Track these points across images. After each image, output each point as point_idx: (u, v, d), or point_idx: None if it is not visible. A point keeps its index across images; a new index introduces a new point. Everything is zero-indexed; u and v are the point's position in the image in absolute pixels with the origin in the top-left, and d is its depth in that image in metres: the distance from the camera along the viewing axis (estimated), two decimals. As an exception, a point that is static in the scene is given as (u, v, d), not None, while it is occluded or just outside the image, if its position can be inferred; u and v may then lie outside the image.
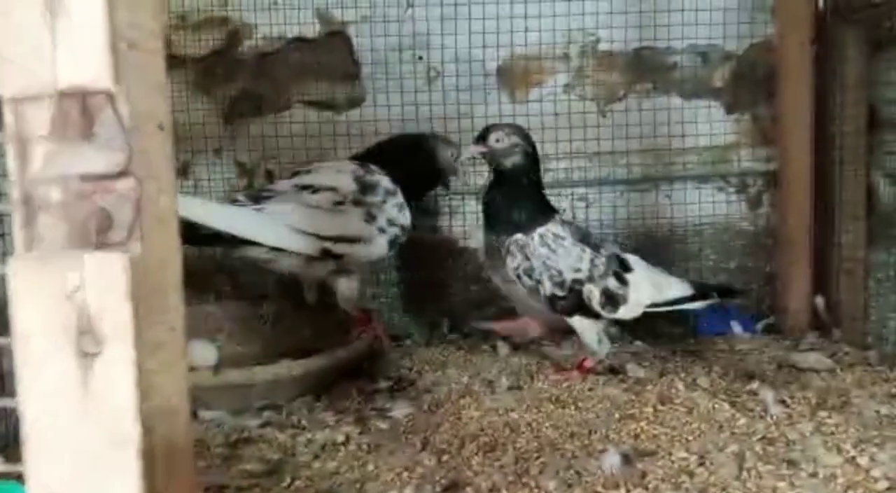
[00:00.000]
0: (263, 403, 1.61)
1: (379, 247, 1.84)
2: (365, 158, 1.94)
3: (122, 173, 0.46)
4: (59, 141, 0.46)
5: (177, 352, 0.51)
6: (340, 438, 1.44)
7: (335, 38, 2.18)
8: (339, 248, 1.78)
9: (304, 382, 1.66)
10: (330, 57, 2.19)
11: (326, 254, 1.77)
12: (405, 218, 1.88)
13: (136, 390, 0.47)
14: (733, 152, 2.27)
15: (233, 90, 2.18)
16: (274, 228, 1.70)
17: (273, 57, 2.18)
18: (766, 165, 2.25)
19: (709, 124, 2.25)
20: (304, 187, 1.79)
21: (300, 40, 2.18)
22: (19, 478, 0.49)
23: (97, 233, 0.47)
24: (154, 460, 0.49)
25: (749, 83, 2.25)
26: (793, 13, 2.07)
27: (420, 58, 2.19)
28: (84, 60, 0.46)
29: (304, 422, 1.54)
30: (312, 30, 2.17)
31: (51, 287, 0.46)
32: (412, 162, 1.95)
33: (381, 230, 1.83)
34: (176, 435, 0.51)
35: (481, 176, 2.22)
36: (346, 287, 1.86)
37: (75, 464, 0.48)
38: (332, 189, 1.80)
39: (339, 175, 1.85)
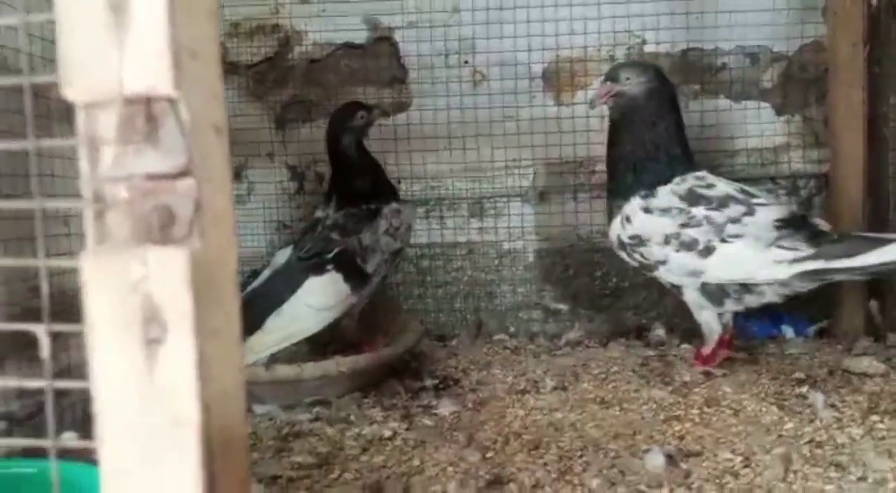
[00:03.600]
0: (314, 398, 1.66)
1: None
2: None
3: (182, 174, 0.50)
4: (125, 143, 0.50)
5: (232, 340, 0.55)
6: (387, 433, 1.47)
7: (382, 43, 2.23)
8: None
9: (352, 378, 1.70)
10: (377, 62, 2.23)
11: None
12: None
13: (197, 374, 0.50)
14: (783, 154, 2.24)
15: (284, 96, 2.25)
16: None
17: (322, 63, 2.24)
18: (818, 167, 2.21)
19: (758, 126, 2.23)
20: None
21: (348, 46, 2.23)
22: (92, 455, 0.53)
23: (160, 229, 0.50)
24: (212, 441, 0.53)
25: (799, 84, 2.22)
26: (844, 13, 2.03)
27: (465, 62, 2.22)
28: (148, 70, 0.50)
29: (352, 417, 1.58)
30: (360, 36, 2.23)
31: (119, 279, 0.50)
32: None
33: None
34: (232, 419, 0.55)
35: (525, 178, 2.24)
36: None
37: (141, 444, 0.52)
38: None
39: None
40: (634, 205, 1.74)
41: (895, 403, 1.55)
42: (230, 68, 2.22)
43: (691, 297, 1.76)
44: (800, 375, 1.75)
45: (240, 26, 2.22)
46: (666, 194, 1.73)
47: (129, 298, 0.50)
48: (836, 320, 2.10)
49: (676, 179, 1.75)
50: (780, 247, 1.66)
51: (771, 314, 2.18)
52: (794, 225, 1.69)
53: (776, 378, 1.73)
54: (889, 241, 1.59)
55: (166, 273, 0.50)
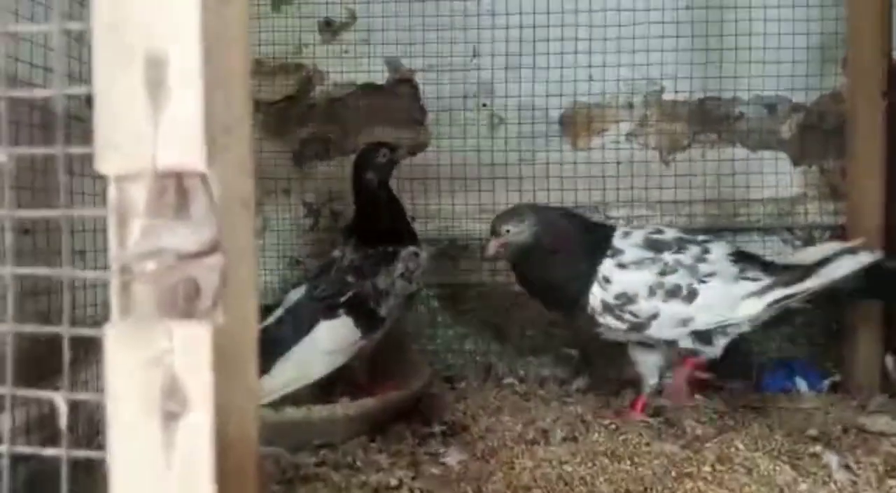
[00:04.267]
0: (320, 441, 1.64)
1: None
2: None
3: (211, 249, 0.50)
4: (155, 217, 0.51)
5: (252, 416, 0.55)
6: (394, 482, 1.45)
7: (403, 84, 2.26)
8: None
9: (359, 422, 1.69)
10: (397, 103, 2.25)
11: None
12: None
13: (215, 451, 0.50)
14: (800, 205, 2.23)
15: (303, 133, 2.27)
16: None
17: (342, 102, 2.26)
18: (835, 218, 2.20)
19: (775, 176, 2.23)
20: None
21: (369, 86, 2.26)
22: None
23: (185, 301, 0.51)
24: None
25: (818, 135, 2.22)
26: (864, 65, 2.03)
27: (484, 105, 2.24)
28: (182, 146, 0.50)
29: (358, 463, 1.56)
30: (381, 77, 2.25)
31: (142, 352, 0.50)
32: None
33: None
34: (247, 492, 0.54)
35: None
36: None
37: (154, 516, 0.51)
38: None
39: None
40: (608, 265, 1.72)
41: (912, 466, 1.52)
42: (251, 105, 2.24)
43: (685, 346, 1.77)
44: (813, 432, 1.72)
45: (262, 64, 2.25)
46: (630, 248, 1.74)
47: (150, 370, 0.50)
48: (850, 374, 2.07)
49: (620, 233, 1.76)
50: (745, 279, 1.74)
51: (784, 367, 2.16)
52: (745, 257, 1.78)
53: (789, 435, 1.70)
54: (828, 260, 1.73)
55: (189, 347, 0.50)
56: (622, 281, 1.71)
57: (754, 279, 1.74)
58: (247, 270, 0.55)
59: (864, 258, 1.75)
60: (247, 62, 0.55)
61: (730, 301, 1.73)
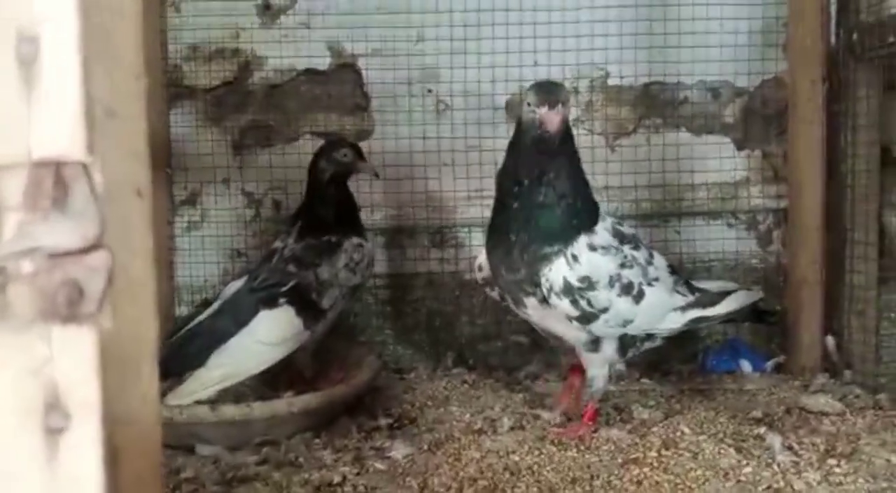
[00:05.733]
0: (262, 438, 1.60)
1: None
2: None
3: (93, 245, 0.46)
4: (31, 211, 0.46)
5: (150, 424, 0.50)
6: (337, 478, 1.42)
7: (345, 70, 2.20)
8: None
9: (303, 418, 1.64)
10: (340, 89, 2.20)
11: None
12: None
13: (104, 467, 0.46)
14: (743, 189, 2.25)
15: (242, 121, 2.20)
16: None
17: (283, 88, 2.20)
18: (777, 202, 2.23)
19: (719, 160, 2.24)
20: None
21: (311, 72, 2.19)
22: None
23: (67, 305, 0.46)
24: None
25: (760, 119, 2.24)
26: (805, 50, 2.05)
27: (429, 91, 2.20)
28: (58, 131, 0.45)
29: (301, 460, 1.52)
30: (323, 62, 2.19)
31: (19, 361, 0.45)
32: None
33: None
34: (146, 509, 0.50)
35: (487, 209, 2.21)
36: None
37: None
38: None
39: None
40: (581, 243, 1.57)
41: (851, 444, 1.55)
42: (187, 92, 2.16)
43: (608, 351, 1.66)
44: (757, 413, 1.74)
45: (198, 50, 2.16)
46: (601, 231, 1.61)
47: (29, 382, 0.45)
48: (794, 355, 2.10)
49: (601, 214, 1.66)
50: (677, 292, 1.70)
51: (729, 349, 2.19)
52: (675, 271, 1.75)
53: (734, 417, 1.72)
54: (732, 290, 1.78)
55: (72, 355, 0.45)
56: (590, 264, 1.56)
57: (683, 294, 1.70)
58: (142, 265, 0.50)
59: (756, 295, 1.82)
60: (138, 36, 0.50)
61: (664, 310, 1.66)
